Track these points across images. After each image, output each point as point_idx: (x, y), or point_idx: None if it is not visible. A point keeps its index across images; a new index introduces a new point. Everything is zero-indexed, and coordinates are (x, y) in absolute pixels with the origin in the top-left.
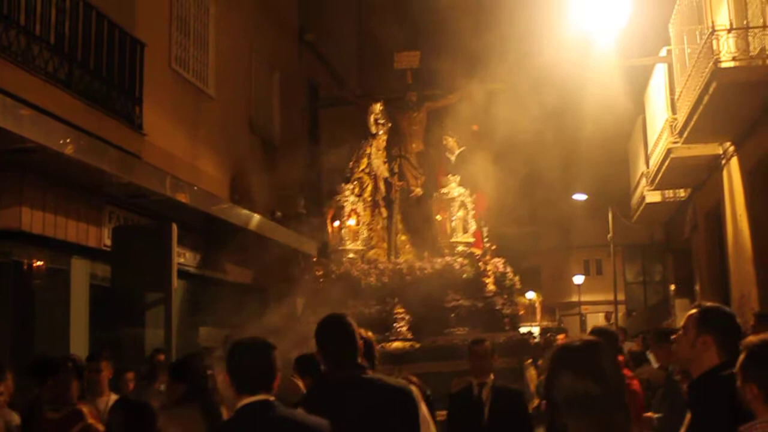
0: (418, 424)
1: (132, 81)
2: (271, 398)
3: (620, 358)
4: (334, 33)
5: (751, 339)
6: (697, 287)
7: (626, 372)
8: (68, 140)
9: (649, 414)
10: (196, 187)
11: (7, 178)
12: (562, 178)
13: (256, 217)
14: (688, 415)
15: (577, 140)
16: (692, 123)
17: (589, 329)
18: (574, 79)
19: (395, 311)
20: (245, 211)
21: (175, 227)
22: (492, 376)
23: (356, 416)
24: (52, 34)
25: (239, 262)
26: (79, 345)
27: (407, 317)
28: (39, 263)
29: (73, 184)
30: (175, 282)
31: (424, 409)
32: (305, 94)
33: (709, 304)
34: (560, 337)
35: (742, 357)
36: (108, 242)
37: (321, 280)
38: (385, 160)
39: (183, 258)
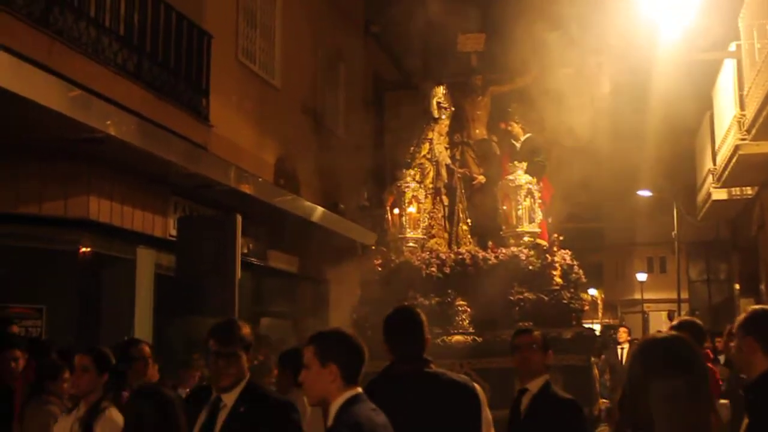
0: (480, 423)
1: (199, 72)
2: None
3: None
4: (400, 24)
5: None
6: (763, 286)
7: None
8: (136, 131)
9: (724, 401)
10: (260, 179)
11: (76, 167)
12: (627, 174)
13: (319, 209)
14: (746, 420)
15: (644, 135)
16: (761, 119)
17: (652, 328)
18: (642, 72)
19: (456, 303)
20: (308, 203)
21: (239, 218)
22: (542, 380)
23: (418, 410)
24: (122, 25)
25: (301, 254)
26: (143, 333)
27: (469, 310)
28: (105, 252)
29: (140, 174)
30: (239, 272)
31: (487, 410)
32: (370, 86)
33: (758, 307)
34: (622, 330)
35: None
36: (173, 232)
37: (379, 269)
38: (447, 145)
39: (246, 249)
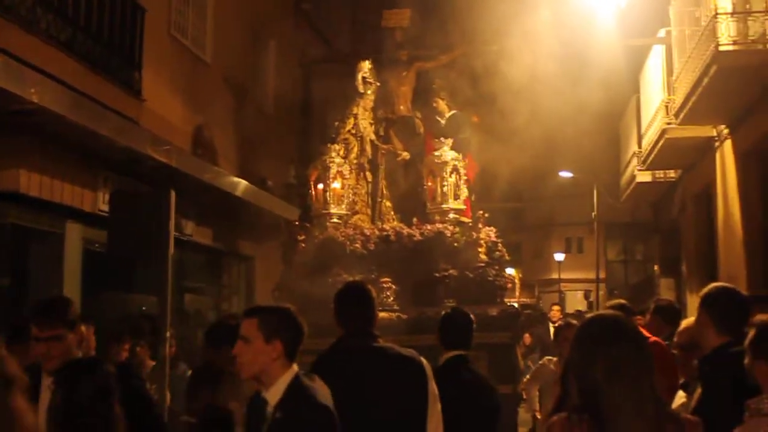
0: (427, 396)
1: (132, 46)
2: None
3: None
4: (329, 1)
5: (761, 317)
6: (684, 267)
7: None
8: (68, 103)
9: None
10: (190, 154)
11: (6, 140)
12: (549, 155)
13: (243, 184)
14: (698, 390)
15: (568, 116)
16: (689, 105)
17: (568, 307)
18: (569, 53)
19: (381, 280)
20: (234, 178)
21: (173, 194)
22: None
23: (367, 383)
24: None
25: (226, 230)
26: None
27: (393, 287)
28: (34, 226)
29: (70, 148)
30: (172, 249)
31: (433, 384)
32: (299, 63)
33: (714, 284)
34: (555, 308)
35: (751, 334)
36: (103, 207)
37: (302, 245)
38: (372, 121)
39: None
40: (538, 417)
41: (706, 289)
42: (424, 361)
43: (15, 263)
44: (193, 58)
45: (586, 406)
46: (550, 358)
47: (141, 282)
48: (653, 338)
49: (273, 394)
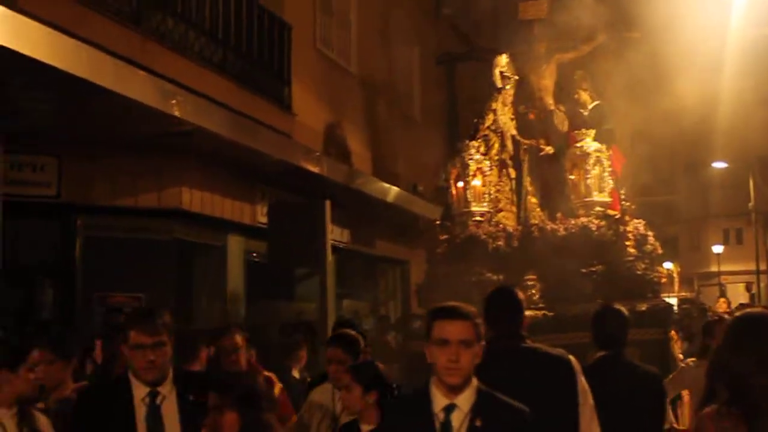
0: (576, 394)
1: (280, 63)
2: None
3: None
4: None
5: None
6: None
7: None
8: (224, 122)
9: None
10: (342, 164)
11: (169, 160)
12: (702, 145)
13: (394, 190)
14: None
15: (717, 106)
16: None
17: (730, 300)
18: (714, 43)
19: (526, 278)
20: (384, 184)
21: (328, 204)
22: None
23: (515, 385)
24: (207, 20)
25: (382, 236)
26: (235, 318)
27: (539, 284)
28: (198, 240)
29: (228, 164)
30: (330, 256)
31: (583, 380)
32: (443, 67)
33: None
34: (722, 300)
35: None
36: (261, 219)
37: (444, 245)
38: (513, 116)
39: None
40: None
41: None
42: (572, 358)
43: (180, 277)
44: (340, 69)
45: (735, 399)
46: (692, 359)
47: (301, 290)
48: None
49: (465, 400)
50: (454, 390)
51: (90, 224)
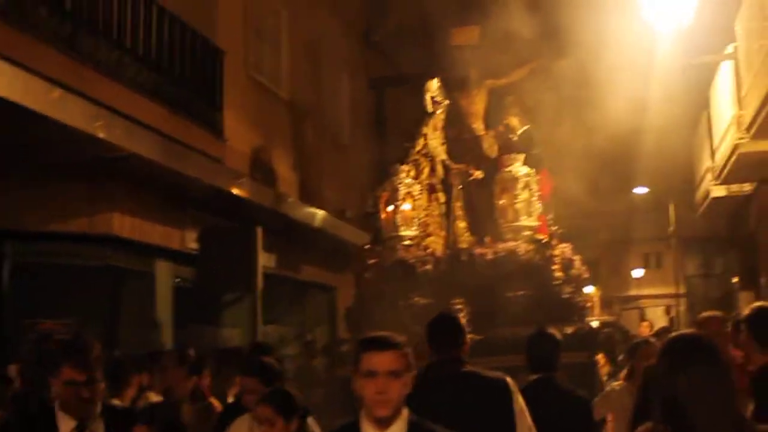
0: (512, 417)
1: (213, 88)
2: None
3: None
4: (400, 31)
5: None
6: (763, 280)
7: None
8: (158, 147)
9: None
10: (269, 188)
11: (101, 185)
12: (623, 171)
13: (321, 214)
14: (751, 405)
15: (639, 133)
16: (760, 119)
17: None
18: (639, 72)
19: (454, 301)
20: (312, 209)
21: (259, 230)
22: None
23: (456, 409)
24: (141, 46)
25: (310, 261)
26: (165, 344)
27: (467, 308)
28: (128, 266)
29: (159, 189)
30: (260, 283)
31: (520, 400)
32: (373, 94)
33: (755, 304)
34: (644, 324)
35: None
36: (190, 245)
37: (373, 269)
38: (443, 141)
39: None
40: None
41: (747, 309)
42: (509, 380)
43: (110, 303)
44: (271, 95)
45: (669, 419)
46: (618, 382)
47: (227, 316)
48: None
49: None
50: (384, 422)
51: (19, 250)
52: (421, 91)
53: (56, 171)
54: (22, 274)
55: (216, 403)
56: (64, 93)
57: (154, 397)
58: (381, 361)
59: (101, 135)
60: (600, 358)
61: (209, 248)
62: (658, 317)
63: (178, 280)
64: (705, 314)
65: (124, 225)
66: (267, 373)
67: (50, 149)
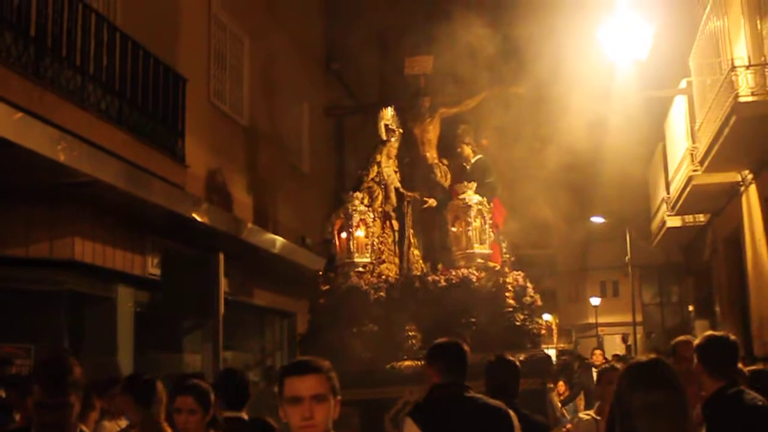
0: None
1: (175, 115)
2: None
3: None
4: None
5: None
6: (717, 308)
7: None
8: (120, 174)
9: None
10: (229, 214)
11: (61, 210)
12: (580, 201)
13: (280, 241)
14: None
15: (595, 163)
16: (713, 153)
17: (606, 351)
18: (595, 103)
19: (407, 327)
20: (271, 235)
21: (221, 257)
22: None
23: (458, 430)
24: (104, 73)
25: (268, 287)
26: (125, 369)
27: (419, 334)
28: (88, 291)
29: (120, 214)
30: (222, 308)
31: (519, 427)
32: (332, 122)
33: (706, 333)
34: (597, 352)
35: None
36: (151, 270)
37: (326, 295)
38: (396, 169)
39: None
40: None
41: (698, 339)
42: (510, 411)
43: (71, 327)
44: (231, 122)
45: None
46: (587, 412)
47: (189, 341)
48: None
49: None
50: None
51: None
52: (376, 119)
53: (17, 196)
54: None
55: (169, 430)
56: (26, 117)
57: (109, 424)
58: (304, 385)
59: (63, 159)
60: (560, 385)
61: (171, 274)
62: (615, 345)
63: (142, 306)
64: (679, 338)
65: (85, 250)
66: (203, 395)
67: (12, 174)
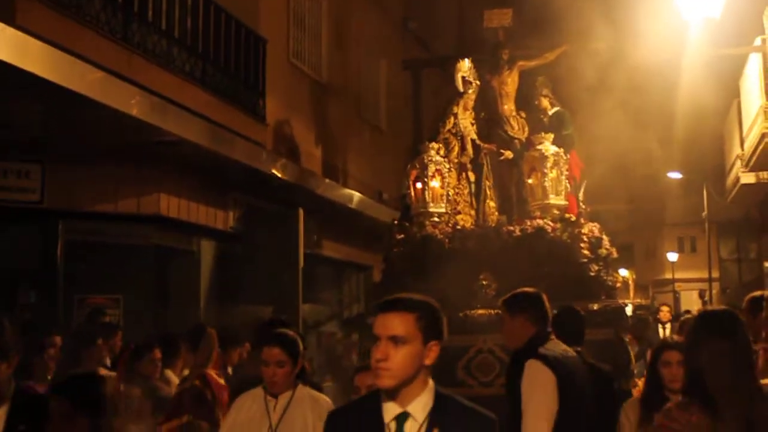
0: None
1: (256, 75)
2: None
3: None
4: (436, 17)
5: None
6: None
7: None
8: (204, 133)
9: None
10: (306, 170)
11: (148, 168)
12: (657, 156)
13: (358, 196)
14: None
15: (673, 119)
16: None
17: (683, 307)
18: (670, 59)
19: (480, 277)
20: (347, 191)
21: (301, 212)
22: None
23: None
24: (188, 36)
25: (346, 241)
26: (208, 320)
27: (494, 284)
28: (173, 245)
29: (203, 172)
30: (302, 262)
31: None
32: (409, 80)
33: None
34: (665, 308)
35: None
36: (233, 225)
37: (401, 245)
38: (473, 121)
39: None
40: None
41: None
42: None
43: (157, 280)
44: (311, 81)
45: (693, 392)
46: None
47: (269, 294)
48: None
49: (419, 407)
50: (392, 395)
51: (71, 229)
52: (454, 72)
53: (106, 154)
54: (74, 252)
55: (214, 377)
56: (114, 79)
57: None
58: (384, 323)
59: (153, 121)
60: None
61: (253, 229)
62: (692, 301)
63: (225, 259)
64: (753, 294)
65: (170, 206)
66: (291, 346)
67: (104, 134)
